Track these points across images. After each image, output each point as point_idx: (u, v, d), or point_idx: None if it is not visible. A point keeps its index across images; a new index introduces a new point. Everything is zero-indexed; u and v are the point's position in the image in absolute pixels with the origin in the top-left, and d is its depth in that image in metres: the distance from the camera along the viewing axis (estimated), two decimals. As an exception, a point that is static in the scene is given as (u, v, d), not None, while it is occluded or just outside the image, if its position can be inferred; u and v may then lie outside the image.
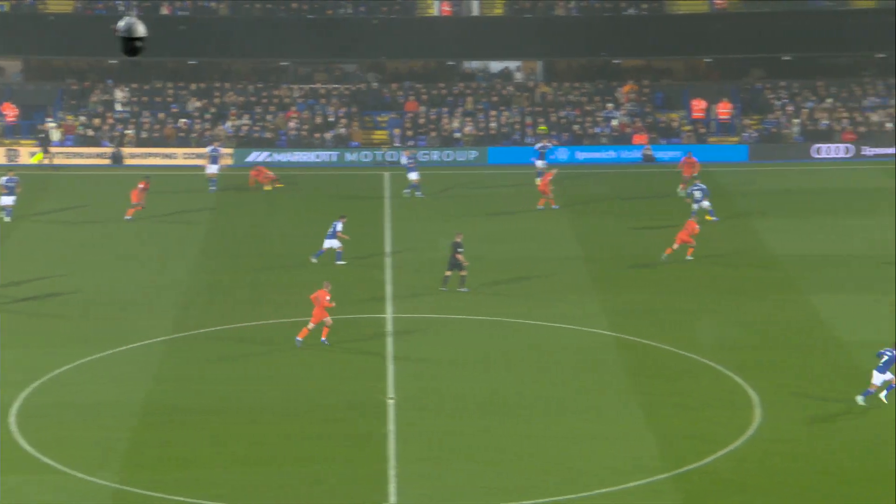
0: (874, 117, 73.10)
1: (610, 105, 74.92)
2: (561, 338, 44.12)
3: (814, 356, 42.38)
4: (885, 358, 37.52)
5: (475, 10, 77.93)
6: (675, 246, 51.97)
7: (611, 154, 71.41)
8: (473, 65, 78.95)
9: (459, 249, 48.20)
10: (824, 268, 51.49)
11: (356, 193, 64.48)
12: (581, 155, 71.10)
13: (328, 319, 42.74)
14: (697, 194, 57.17)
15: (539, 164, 64.96)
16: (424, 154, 70.41)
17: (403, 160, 64.75)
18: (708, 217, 56.98)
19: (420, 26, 76.97)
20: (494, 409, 38.35)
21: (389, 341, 43.68)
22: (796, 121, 73.23)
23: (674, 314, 46.49)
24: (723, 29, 76.11)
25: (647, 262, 52.72)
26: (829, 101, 74.45)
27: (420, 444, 35.87)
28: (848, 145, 70.97)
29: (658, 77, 78.05)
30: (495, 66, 78.69)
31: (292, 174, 67.33)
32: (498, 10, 77.45)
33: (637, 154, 71.13)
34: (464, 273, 48.22)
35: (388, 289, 49.40)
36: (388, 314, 46.58)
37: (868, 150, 70.69)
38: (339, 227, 51.55)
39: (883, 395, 37.78)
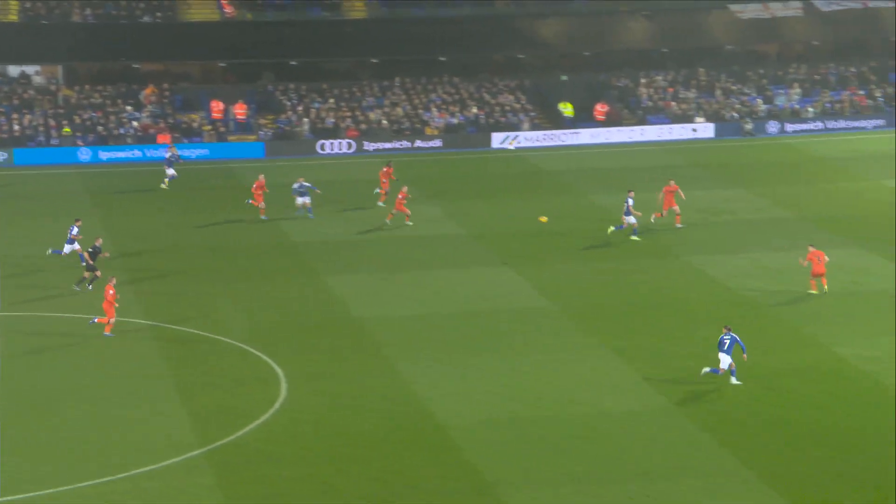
0: (372, 115, 75.37)
1: (130, 108, 73.37)
2: (96, 329, 42.65)
3: (332, 332, 43.09)
4: (728, 342, 37.61)
5: (-11, 16, 74.28)
6: (394, 212, 55.57)
7: (136, 153, 70.03)
8: (-8, 69, 75.24)
9: (89, 249, 46.84)
10: (338, 252, 52.54)
11: None
12: (105, 155, 69.36)
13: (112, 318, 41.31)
14: (299, 189, 56.68)
15: (170, 172, 62.67)
16: (-52, 157, 66.40)
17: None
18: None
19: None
20: (32, 402, 36.68)
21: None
22: (306, 120, 74.40)
23: (203, 300, 46.06)
24: (234, 35, 76.39)
25: (177, 249, 52.10)
26: (332, 101, 76.12)
27: (-43, 441, 33.80)
28: (351, 141, 72.87)
29: (177, 80, 77.20)
30: (14, 69, 75.15)
31: None
32: (13, 17, 73.94)
33: (162, 153, 70.00)
34: (87, 275, 46.54)
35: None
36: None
37: (369, 145, 72.90)
38: (75, 230, 49.19)
39: (733, 380, 37.82)
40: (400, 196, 55.81)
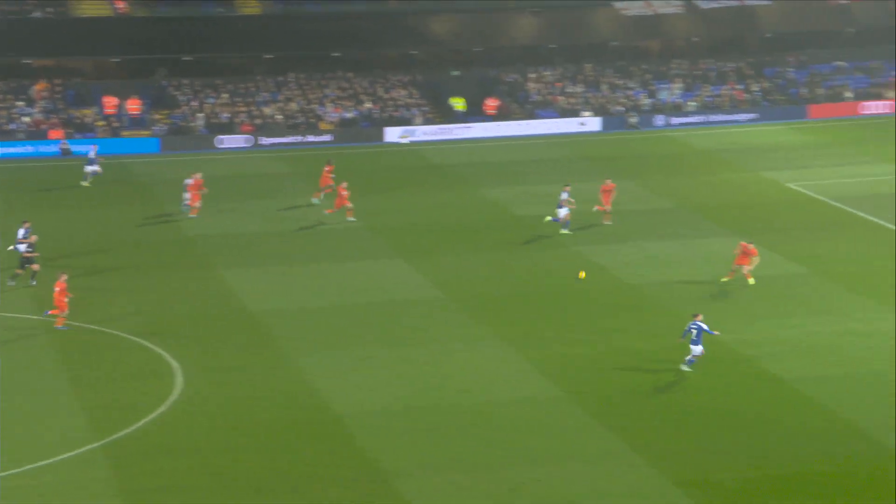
0: (267, 111, 74.80)
1: (21, 103, 71.92)
2: (-13, 325, 41.86)
3: (228, 325, 42.71)
4: (694, 332, 37.71)
5: None
6: (346, 206, 54.77)
7: (28, 149, 68.72)
8: None
9: (22, 246, 46.26)
10: (234, 246, 52.05)
11: None
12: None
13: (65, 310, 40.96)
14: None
15: (90, 168, 61.27)
16: None
17: None
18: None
19: None
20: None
21: None
22: (200, 115, 73.57)
23: (98, 294, 45.32)
24: (127, 31, 75.33)
25: (72, 245, 51.20)
26: (227, 96, 75.38)
27: None
28: (247, 136, 72.24)
29: (69, 76, 75.83)
30: None
31: None
32: None
33: (55, 148, 68.85)
34: (35, 267, 45.94)
35: None
36: None
37: (264, 140, 72.33)
38: (22, 233, 47.23)
39: (684, 365, 38.03)
40: (343, 193, 55.14)
